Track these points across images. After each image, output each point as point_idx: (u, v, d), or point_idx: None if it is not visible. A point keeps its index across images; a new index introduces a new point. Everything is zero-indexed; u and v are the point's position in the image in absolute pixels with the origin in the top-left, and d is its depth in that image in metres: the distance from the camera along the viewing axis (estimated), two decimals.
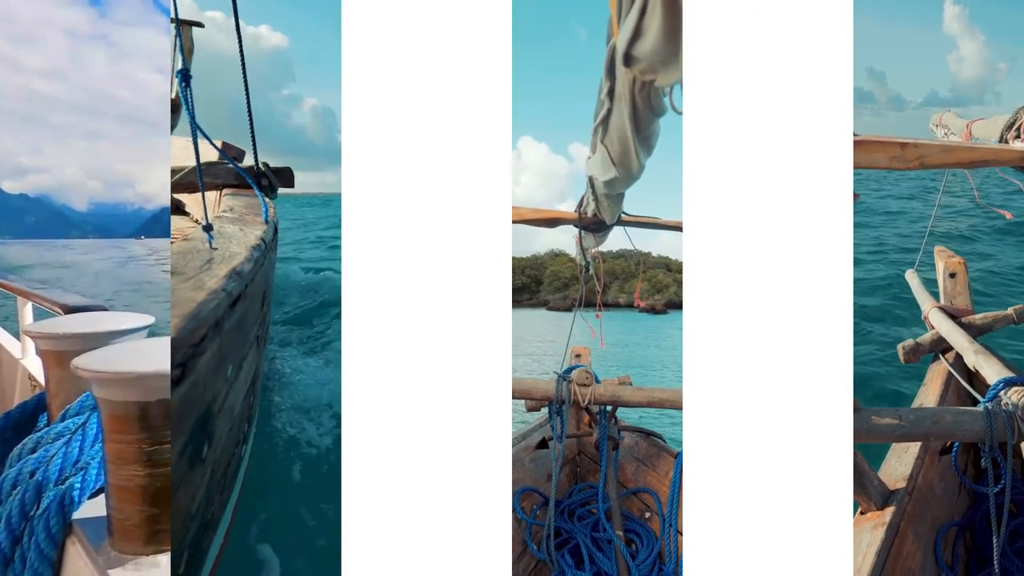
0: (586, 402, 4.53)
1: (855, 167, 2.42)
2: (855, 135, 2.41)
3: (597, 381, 4.63)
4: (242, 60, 3.29)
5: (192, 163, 4.09)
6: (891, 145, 2.41)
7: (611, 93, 3.07)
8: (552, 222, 5.09)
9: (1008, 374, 3.33)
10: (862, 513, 2.92)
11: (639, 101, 2.93)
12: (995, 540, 2.86)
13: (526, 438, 5.16)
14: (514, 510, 4.47)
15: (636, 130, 3.12)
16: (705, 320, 1.74)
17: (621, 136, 3.25)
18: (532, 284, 69.74)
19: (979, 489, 3.33)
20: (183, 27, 7.04)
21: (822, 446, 1.68)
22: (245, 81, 3.38)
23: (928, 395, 4.09)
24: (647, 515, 4.69)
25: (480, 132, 1.85)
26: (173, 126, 7.50)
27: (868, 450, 2.84)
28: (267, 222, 3.06)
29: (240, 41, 3.21)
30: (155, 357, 1.84)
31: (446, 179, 1.85)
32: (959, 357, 4.25)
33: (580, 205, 4.90)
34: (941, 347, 4.48)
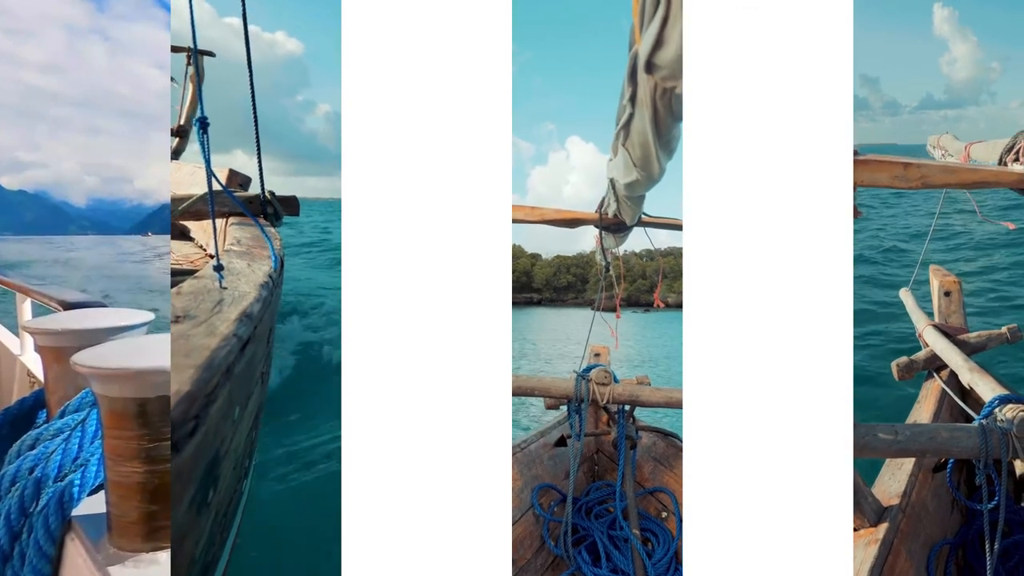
0: (604, 401, 4.61)
1: (858, 185, 2.49)
2: (857, 152, 2.50)
3: (616, 380, 4.70)
4: (252, 90, 3.35)
5: (196, 190, 4.15)
6: (894, 165, 2.50)
7: (633, 99, 3.17)
8: (573, 223, 5.18)
9: (1003, 391, 3.42)
10: (855, 529, 2.96)
11: (660, 107, 3.02)
12: (988, 558, 2.91)
13: (545, 435, 5.25)
14: (532, 506, 4.58)
15: (657, 135, 3.22)
16: (705, 321, 1.79)
17: (642, 140, 3.35)
18: (578, 283, 69.76)
19: (973, 506, 3.41)
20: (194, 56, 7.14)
21: (822, 442, 1.73)
22: (255, 118, 3.43)
23: (922, 412, 4.22)
24: (664, 515, 4.76)
25: (480, 134, 1.90)
26: (180, 152, 7.60)
27: (861, 466, 2.89)
28: (275, 257, 3.12)
29: (249, 64, 3.26)
30: (154, 353, 1.90)
31: (445, 179, 1.91)
32: (953, 375, 4.36)
33: (601, 206, 4.99)
34: (935, 365, 4.61)
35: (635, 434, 4.80)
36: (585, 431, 4.65)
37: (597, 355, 5.69)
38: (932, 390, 4.44)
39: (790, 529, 1.74)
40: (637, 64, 2.82)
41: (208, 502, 1.70)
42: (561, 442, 5.23)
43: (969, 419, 3.40)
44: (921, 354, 4.69)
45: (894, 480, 3.33)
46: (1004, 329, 4.68)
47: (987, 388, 3.65)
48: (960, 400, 4.13)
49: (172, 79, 8.29)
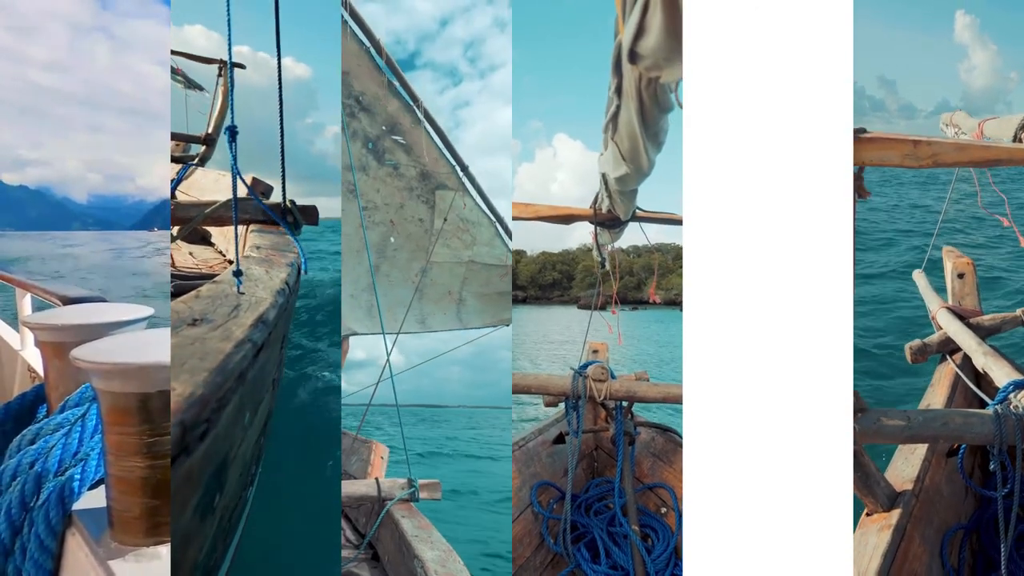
0: (602, 397, 4.60)
1: (868, 164, 2.48)
2: (867, 132, 2.49)
3: (613, 377, 4.70)
4: (280, 109, 3.39)
5: (220, 197, 4.21)
6: (904, 143, 2.48)
7: (619, 90, 3.17)
8: (567, 219, 5.19)
9: (1017, 376, 3.38)
10: (868, 514, 2.98)
11: (646, 97, 3.02)
12: (1002, 545, 2.90)
13: (543, 433, 5.25)
14: (531, 504, 4.58)
15: (644, 126, 3.21)
16: (705, 315, 1.78)
17: (630, 132, 3.34)
18: (564, 280, 69.29)
19: (986, 493, 3.41)
20: (225, 68, 7.29)
21: (823, 438, 1.72)
22: (281, 129, 3.49)
23: (935, 396, 4.17)
24: (663, 510, 4.76)
25: None
26: (207, 159, 7.72)
27: (875, 451, 2.88)
28: (292, 265, 3.14)
29: (280, 86, 3.31)
30: (155, 348, 1.89)
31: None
32: (966, 358, 4.33)
33: (595, 202, 5.00)
34: (949, 348, 4.56)
35: (633, 430, 4.78)
36: (583, 428, 4.64)
37: (595, 351, 5.68)
38: (945, 374, 4.40)
39: (791, 523, 1.74)
40: (621, 54, 2.81)
41: (214, 507, 1.70)
42: (560, 439, 5.24)
43: (983, 404, 3.37)
44: (934, 337, 4.65)
45: (907, 465, 3.31)
46: (1019, 312, 4.63)
47: (1002, 373, 3.62)
48: (974, 384, 4.09)
49: (198, 86, 8.43)
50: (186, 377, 1.39)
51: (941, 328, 4.68)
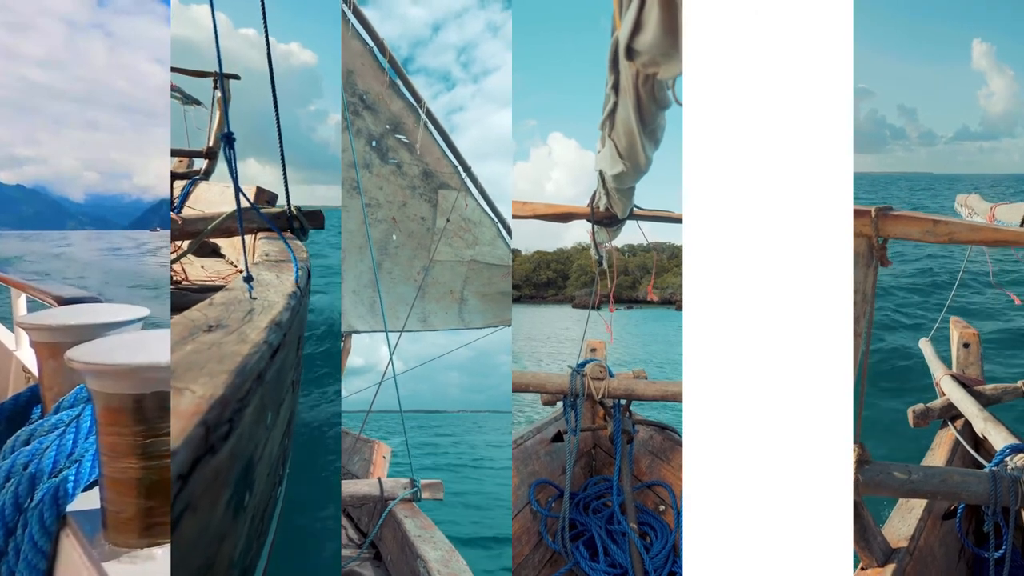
0: (600, 396, 4.59)
1: (891, 237, 2.64)
2: (891, 208, 2.67)
3: (611, 375, 4.68)
4: (277, 118, 3.38)
5: (226, 209, 4.22)
6: (924, 221, 2.66)
7: (616, 87, 3.16)
8: (565, 217, 5.17)
9: (1015, 441, 3.53)
10: (863, 569, 3.06)
11: (643, 94, 3.01)
12: None
13: (541, 431, 5.25)
14: (530, 502, 4.58)
15: (641, 123, 3.20)
16: (705, 313, 1.77)
17: (627, 129, 3.33)
18: (558, 279, 69.01)
19: (981, 553, 3.54)
20: (220, 79, 7.33)
21: (823, 436, 1.72)
22: (279, 126, 3.48)
23: (935, 459, 4.32)
24: (661, 508, 4.76)
25: None
26: (210, 172, 7.77)
27: (870, 504, 2.96)
28: (302, 268, 3.17)
29: (273, 86, 3.29)
30: (150, 349, 1.88)
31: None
32: (967, 425, 4.48)
33: (592, 200, 4.97)
34: (950, 414, 4.72)
35: (632, 428, 4.78)
36: (582, 426, 4.64)
37: (593, 350, 5.68)
38: (945, 439, 4.53)
39: (791, 521, 1.73)
40: (618, 51, 2.80)
41: (244, 506, 1.71)
42: (558, 437, 5.24)
43: (981, 468, 3.48)
44: (937, 402, 4.79)
45: (903, 523, 3.40)
46: (1020, 383, 4.80)
47: (1000, 438, 3.73)
48: (973, 450, 4.22)
49: (195, 100, 8.44)
50: (206, 380, 1.42)
51: (944, 394, 4.84)
